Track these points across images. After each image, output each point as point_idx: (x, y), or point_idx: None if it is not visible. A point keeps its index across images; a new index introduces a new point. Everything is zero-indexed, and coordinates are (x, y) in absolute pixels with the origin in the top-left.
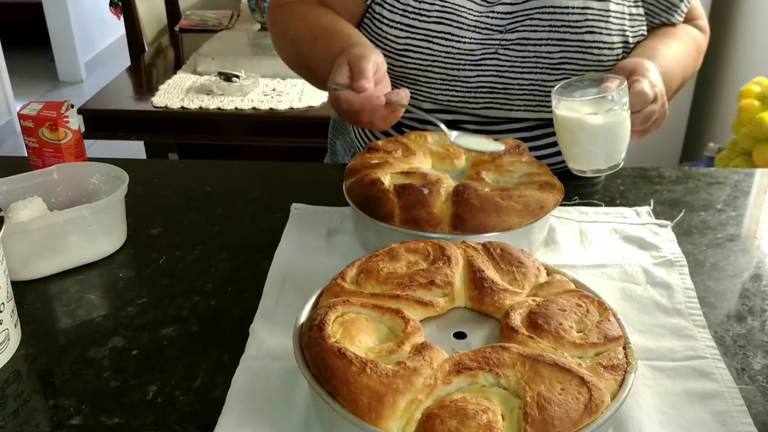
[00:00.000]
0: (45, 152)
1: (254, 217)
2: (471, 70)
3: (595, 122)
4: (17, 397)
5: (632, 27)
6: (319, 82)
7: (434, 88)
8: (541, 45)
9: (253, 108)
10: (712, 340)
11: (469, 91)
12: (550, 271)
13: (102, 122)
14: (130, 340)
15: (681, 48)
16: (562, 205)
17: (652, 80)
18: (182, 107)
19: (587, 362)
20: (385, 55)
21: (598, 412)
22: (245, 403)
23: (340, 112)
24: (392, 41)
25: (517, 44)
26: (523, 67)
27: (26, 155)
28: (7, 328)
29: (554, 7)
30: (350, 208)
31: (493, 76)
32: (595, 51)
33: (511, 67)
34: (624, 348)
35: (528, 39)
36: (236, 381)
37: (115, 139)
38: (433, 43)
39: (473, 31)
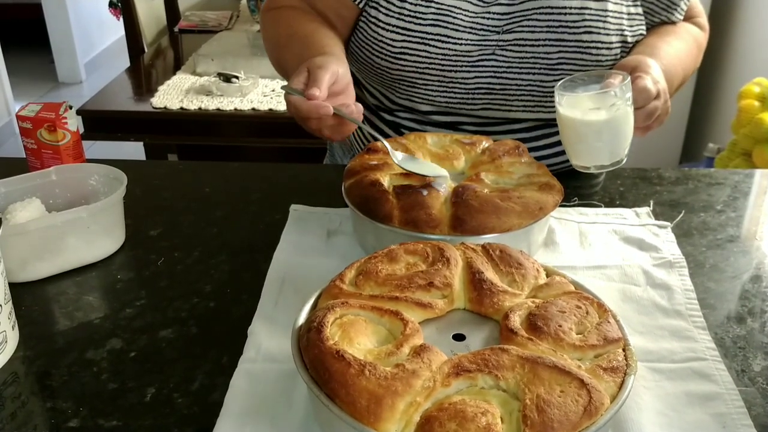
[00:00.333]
0: (43, 153)
1: (253, 219)
2: (468, 71)
3: (598, 118)
4: (15, 399)
5: (631, 26)
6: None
7: (432, 90)
8: (538, 45)
9: (253, 109)
10: (712, 342)
11: (467, 93)
12: (549, 273)
13: (101, 123)
14: (129, 342)
15: (682, 46)
16: (561, 206)
17: (655, 77)
18: (181, 108)
19: (587, 364)
20: (381, 59)
21: (598, 415)
22: (244, 406)
23: (291, 115)
24: (388, 45)
25: (514, 45)
26: (521, 68)
27: (25, 156)
28: (5, 330)
29: (551, 7)
30: (349, 210)
31: (491, 77)
32: (594, 51)
33: (509, 68)
34: (624, 350)
35: (525, 40)
36: (235, 383)
37: (114, 140)
38: (430, 45)
39: (469, 33)
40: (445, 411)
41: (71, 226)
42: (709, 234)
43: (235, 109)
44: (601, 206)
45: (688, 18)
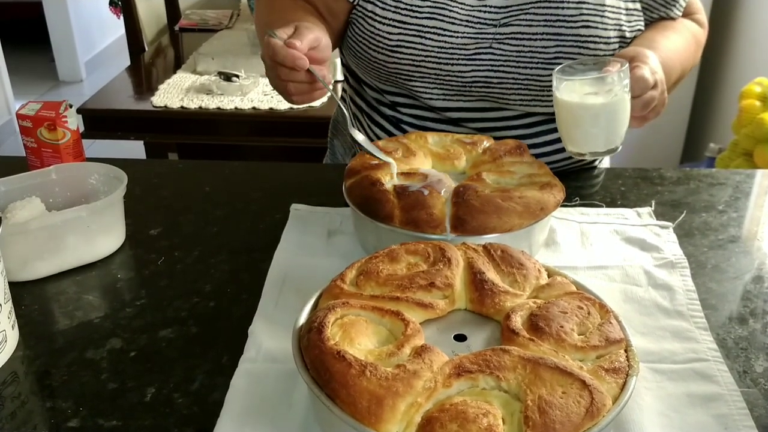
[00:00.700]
0: (43, 152)
1: (254, 218)
2: (465, 64)
3: (595, 102)
4: (15, 399)
5: (629, 22)
6: None
7: (429, 83)
8: (536, 39)
9: (253, 108)
10: (713, 343)
11: (464, 86)
12: (551, 273)
13: (101, 122)
14: (129, 342)
15: (680, 41)
16: (562, 206)
17: (653, 67)
18: (182, 107)
19: (589, 365)
20: (378, 52)
21: (600, 416)
22: (244, 406)
23: (265, 61)
24: (385, 38)
25: (511, 39)
26: (518, 62)
27: (25, 155)
28: (5, 330)
29: (549, 1)
30: (350, 209)
31: (488, 70)
32: (591, 45)
33: (506, 61)
34: (626, 351)
35: (523, 33)
36: (235, 383)
37: (114, 138)
38: (426, 38)
39: (465, 26)
40: (447, 412)
41: (71, 225)
42: (711, 234)
43: (236, 108)
44: (602, 206)
45: (687, 15)
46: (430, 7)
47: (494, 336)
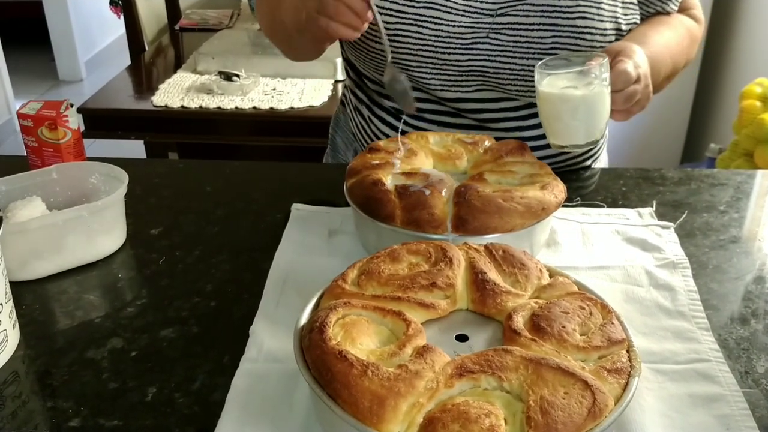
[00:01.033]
0: (44, 152)
1: (255, 218)
2: (462, 54)
3: (574, 93)
4: (15, 399)
5: (625, 14)
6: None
7: (426, 73)
8: (532, 30)
9: (254, 107)
10: (715, 343)
11: (462, 75)
12: (552, 273)
13: (102, 121)
14: (130, 342)
15: (673, 35)
16: (564, 206)
17: (637, 61)
18: (182, 106)
19: (590, 365)
20: (376, 42)
21: (602, 416)
22: (245, 406)
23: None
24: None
25: (508, 29)
26: (514, 52)
27: (25, 155)
28: (6, 329)
29: None
30: (351, 209)
31: (485, 60)
32: (587, 36)
33: (503, 51)
34: (627, 351)
35: (520, 24)
36: (236, 383)
37: (114, 138)
38: (423, 27)
39: (463, 15)
40: (448, 412)
41: (72, 225)
42: (712, 235)
43: (236, 108)
44: (603, 206)
45: (684, 10)
46: None
47: (496, 336)
